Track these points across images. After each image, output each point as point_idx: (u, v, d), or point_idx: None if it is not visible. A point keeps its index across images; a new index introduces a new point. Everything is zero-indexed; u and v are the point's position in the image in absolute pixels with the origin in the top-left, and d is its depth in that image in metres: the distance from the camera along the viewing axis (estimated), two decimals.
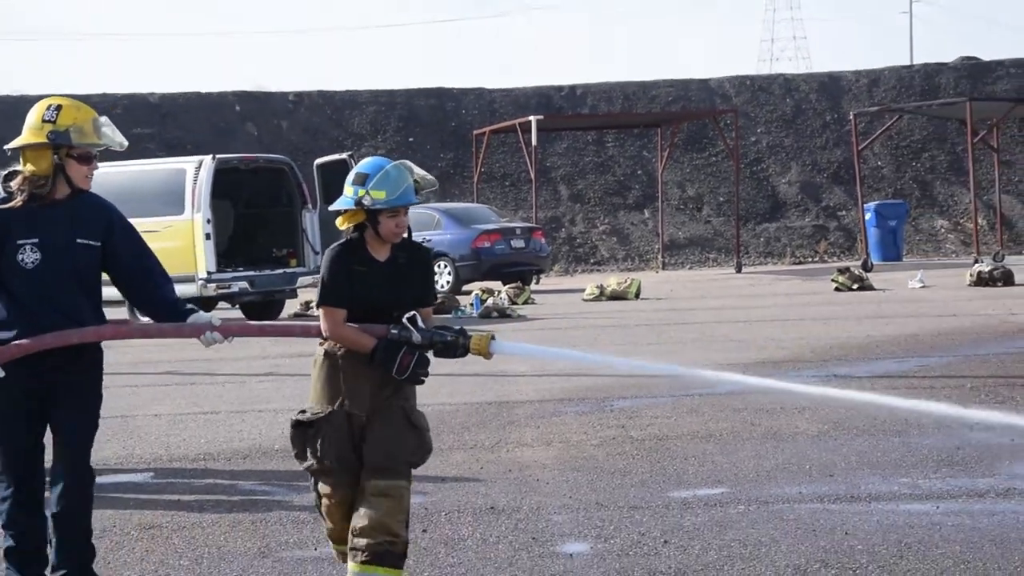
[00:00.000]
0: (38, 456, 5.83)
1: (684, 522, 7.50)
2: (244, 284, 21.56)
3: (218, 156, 21.59)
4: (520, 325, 20.87)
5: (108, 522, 7.64)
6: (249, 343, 18.95)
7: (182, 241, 21.12)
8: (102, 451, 10.11)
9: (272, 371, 14.91)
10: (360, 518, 5.63)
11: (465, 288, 27.88)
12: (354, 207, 5.74)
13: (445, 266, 28.52)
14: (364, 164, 5.88)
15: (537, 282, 29.99)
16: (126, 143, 5.97)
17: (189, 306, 5.96)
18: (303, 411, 5.83)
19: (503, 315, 22.29)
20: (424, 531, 7.38)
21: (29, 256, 5.65)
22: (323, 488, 5.81)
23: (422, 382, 5.82)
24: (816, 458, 9.13)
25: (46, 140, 5.68)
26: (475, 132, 38.13)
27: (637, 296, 25.96)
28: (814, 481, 8.47)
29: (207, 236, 20.97)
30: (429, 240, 28.89)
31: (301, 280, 22.33)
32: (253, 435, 10.57)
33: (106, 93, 42.75)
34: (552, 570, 6.63)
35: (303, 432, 5.78)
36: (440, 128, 44.04)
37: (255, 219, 22.88)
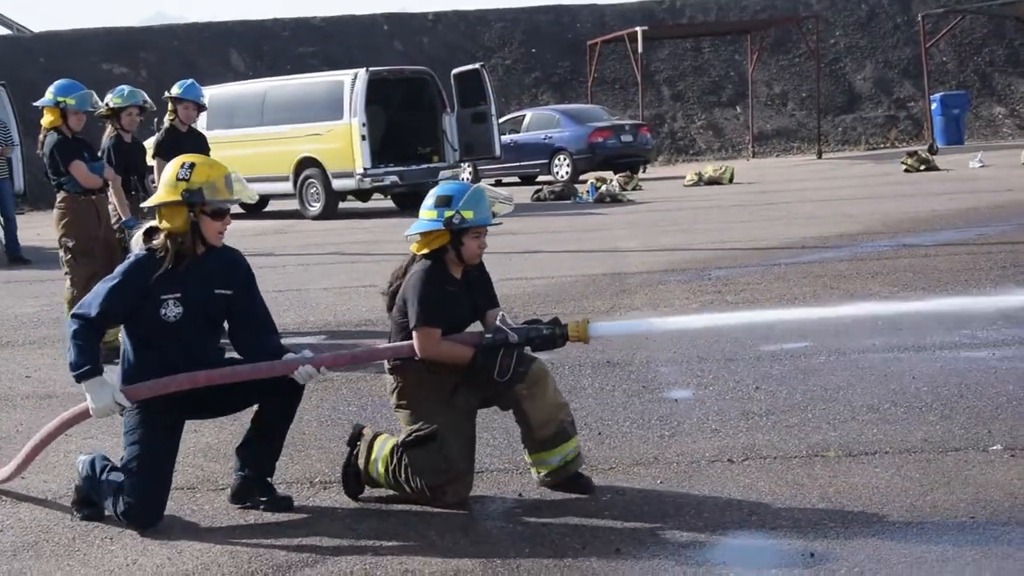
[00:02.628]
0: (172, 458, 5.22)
1: (772, 371, 7.49)
2: (394, 177, 21.66)
3: (370, 69, 21.61)
4: (629, 209, 20.76)
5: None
6: (399, 227, 19.14)
7: (342, 142, 21.28)
8: (281, 318, 10.34)
9: None
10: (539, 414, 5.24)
11: (582, 178, 27.74)
12: (442, 227, 5.16)
13: (564, 159, 28.37)
14: (444, 187, 5.30)
15: (644, 171, 29.72)
16: (256, 196, 5.38)
17: (288, 355, 5.21)
18: (416, 431, 5.17)
19: (615, 200, 22.15)
20: None
21: (172, 311, 5.06)
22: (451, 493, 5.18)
23: (524, 379, 5.18)
24: (887, 315, 9.02)
25: (180, 198, 5.07)
26: (588, 43, 37.57)
27: (731, 181, 25.64)
28: (885, 334, 8.38)
29: (363, 137, 21.06)
30: (550, 137, 28.78)
31: (442, 173, 22.35)
32: None
33: (277, 18, 42.91)
34: (660, 413, 6.67)
35: (426, 448, 5.14)
36: (558, 40, 43.50)
37: (403, 122, 22.92)
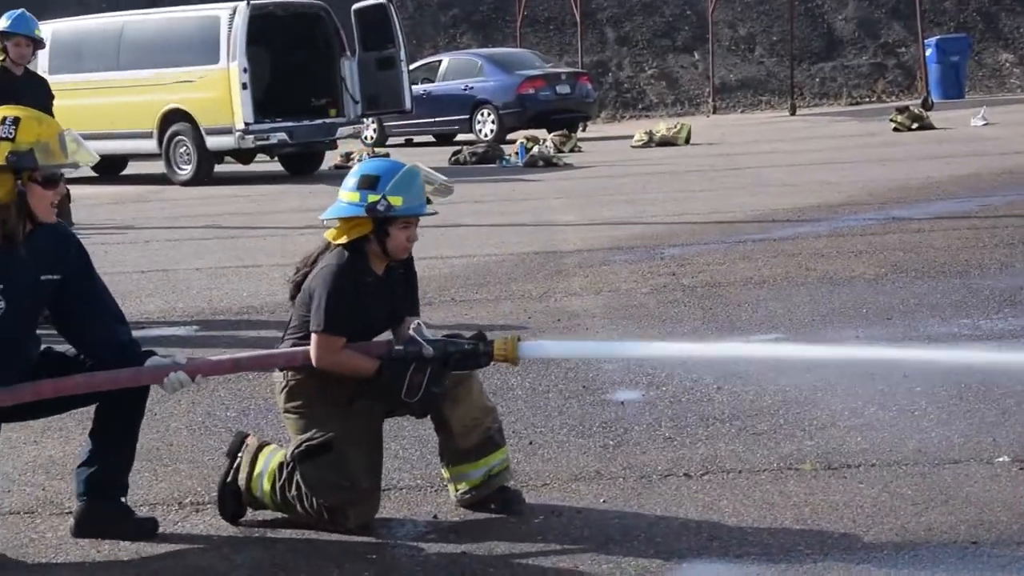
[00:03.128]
0: None
1: (737, 368, 7.51)
2: (283, 135, 21.50)
3: (252, 2, 21.34)
4: (566, 174, 20.80)
5: None
6: (287, 195, 19.03)
7: (218, 91, 21.06)
8: (145, 305, 10.27)
9: (312, 224, 14.95)
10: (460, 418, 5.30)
11: (509, 137, 27.75)
12: (365, 214, 5.11)
13: (488, 114, 28.37)
14: (369, 165, 5.29)
15: (584, 129, 29.80)
16: (95, 157, 5.10)
17: (146, 349, 5.16)
18: (308, 440, 5.18)
19: (549, 164, 22.19)
20: None
21: None
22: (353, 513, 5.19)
23: (438, 402, 5.18)
24: (873, 302, 9.14)
25: (5, 163, 4.80)
26: None
27: (687, 142, 25.77)
28: (872, 324, 8.48)
29: (243, 86, 20.87)
30: (471, 88, 28.76)
31: (341, 131, 22.27)
32: None
33: None
34: (603, 418, 6.69)
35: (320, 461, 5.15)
36: None
37: (292, 68, 22.72)
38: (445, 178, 5.66)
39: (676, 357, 7.26)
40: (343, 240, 5.21)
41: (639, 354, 7.18)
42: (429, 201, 5.29)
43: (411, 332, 5.16)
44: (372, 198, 5.11)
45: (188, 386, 5.10)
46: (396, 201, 5.12)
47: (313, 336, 5.12)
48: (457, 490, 5.38)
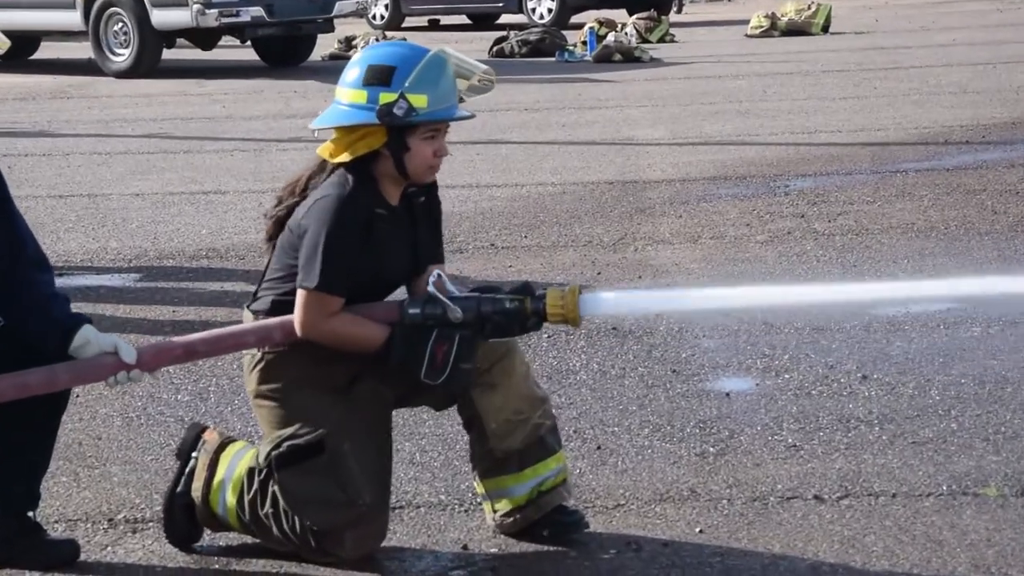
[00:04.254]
0: None
1: (891, 350, 7.51)
2: (258, 10, 21.48)
3: None
4: (653, 72, 20.74)
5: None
6: (264, 94, 19.04)
7: None
8: (64, 243, 10.32)
9: (299, 135, 14.99)
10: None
11: (574, 20, 27.69)
12: (376, 120, 5.08)
13: None
14: (380, 52, 5.27)
15: (679, 10, 29.72)
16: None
17: (72, 312, 5.17)
18: (292, 438, 5.21)
19: (629, 58, 22.12)
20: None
21: None
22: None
23: (469, 384, 5.20)
24: None
25: None
26: None
27: (825, 30, 25.65)
28: None
29: None
30: None
31: (339, 6, 22.23)
32: None
33: None
34: (701, 415, 6.69)
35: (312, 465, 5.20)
36: None
37: None
38: (485, 66, 5.57)
39: (776, 304, 6.96)
40: (344, 158, 5.17)
41: (758, 303, 6.74)
42: (461, 100, 5.26)
43: (430, 287, 5.13)
44: (386, 97, 5.06)
45: (139, 382, 5.15)
46: (419, 101, 5.07)
47: (301, 294, 5.09)
48: (495, 511, 5.38)
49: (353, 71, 5.16)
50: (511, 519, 5.36)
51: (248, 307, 5.34)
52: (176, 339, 5.41)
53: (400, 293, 5.35)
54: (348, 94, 5.15)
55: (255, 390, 5.33)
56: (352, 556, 5.18)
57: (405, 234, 5.27)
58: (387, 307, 5.19)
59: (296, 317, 5.10)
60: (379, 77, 5.10)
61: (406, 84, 5.07)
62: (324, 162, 5.26)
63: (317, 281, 5.05)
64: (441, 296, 5.10)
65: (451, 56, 5.26)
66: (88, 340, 5.08)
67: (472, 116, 5.29)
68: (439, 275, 5.17)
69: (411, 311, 5.11)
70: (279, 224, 5.30)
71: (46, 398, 5.18)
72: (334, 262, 5.05)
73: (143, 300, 8.89)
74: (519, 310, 5.11)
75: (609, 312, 6.09)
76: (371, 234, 5.13)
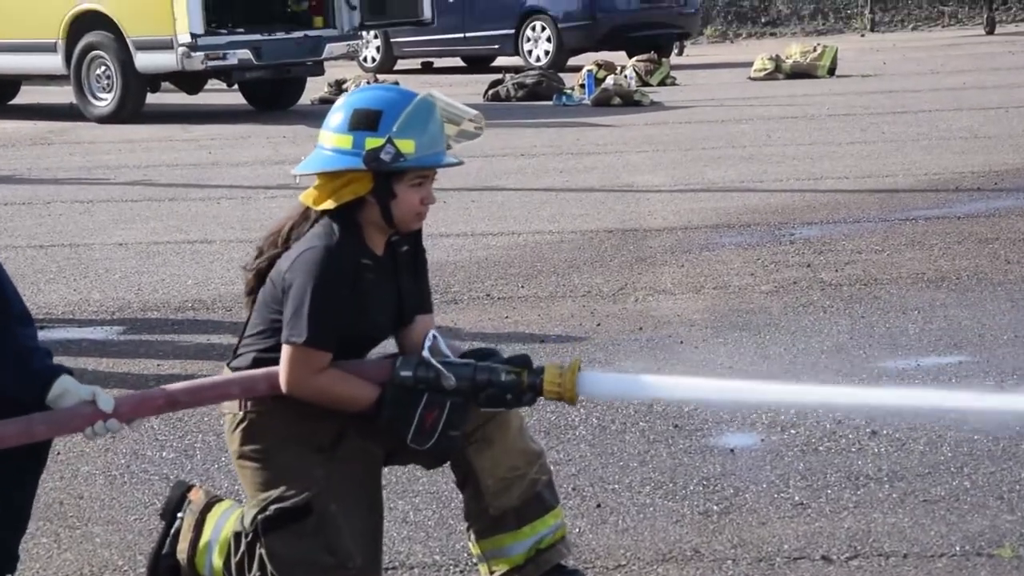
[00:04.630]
0: None
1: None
2: (245, 53, 21.51)
3: None
4: (654, 117, 20.78)
5: None
6: (252, 139, 19.07)
7: None
8: (45, 294, 10.31)
9: (286, 183, 14.99)
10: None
11: (572, 62, 27.74)
12: (362, 166, 5.07)
13: (543, 28, 28.39)
14: (365, 96, 5.26)
15: (680, 52, 29.76)
16: None
17: (52, 364, 5.15)
18: (278, 500, 5.18)
19: (629, 102, 22.14)
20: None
21: None
22: None
23: (457, 449, 5.18)
24: None
25: None
26: None
27: (831, 72, 25.69)
28: None
29: None
30: None
31: (330, 48, 22.25)
32: None
33: None
34: (704, 472, 6.69)
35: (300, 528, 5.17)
36: None
37: None
38: (474, 111, 5.55)
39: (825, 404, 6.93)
40: (329, 205, 5.15)
41: (768, 399, 6.69)
42: (449, 147, 5.23)
43: (424, 351, 5.11)
44: (372, 142, 5.05)
45: (116, 432, 5.11)
46: (406, 146, 5.05)
47: (288, 349, 5.06)
48: (492, 572, 5.36)
49: (337, 115, 5.15)
50: None
51: (228, 365, 5.32)
52: (157, 389, 5.39)
53: (386, 344, 5.35)
54: (332, 139, 5.13)
55: (237, 451, 5.31)
56: None
57: (390, 284, 5.24)
58: (378, 366, 5.16)
59: (282, 374, 5.06)
60: (365, 121, 5.08)
61: (393, 129, 5.04)
62: (307, 210, 5.22)
63: (306, 336, 5.01)
64: (434, 361, 5.07)
65: (439, 100, 5.22)
66: (66, 390, 5.04)
67: (461, 163, 5.26)
68: (435, 336, 5.15)
69: (403, 373, 5.08)
70: (260, 277, 5.27)
71: (26, 454, 5.18)
72: (322, 316, 5.02)
73: (127, 354, 8.89)
74: (515, 383, 5.10)
75: (608, 394, 6.05)
76: (357, 285, 5.10)
